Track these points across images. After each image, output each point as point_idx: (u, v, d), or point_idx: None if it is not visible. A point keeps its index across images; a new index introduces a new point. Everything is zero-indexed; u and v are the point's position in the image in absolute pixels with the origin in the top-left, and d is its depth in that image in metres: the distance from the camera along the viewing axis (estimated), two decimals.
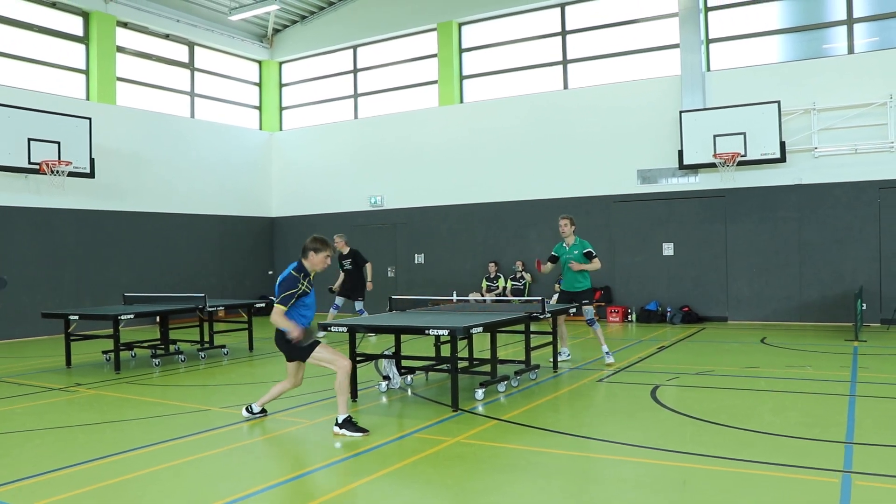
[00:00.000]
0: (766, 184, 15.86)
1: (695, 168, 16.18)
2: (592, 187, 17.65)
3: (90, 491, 5.37)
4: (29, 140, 15.44)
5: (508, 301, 12.80)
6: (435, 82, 20.18)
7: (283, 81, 23.12)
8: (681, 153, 16.06)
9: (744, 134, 15.34)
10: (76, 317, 11.31)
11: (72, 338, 11.79)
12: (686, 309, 16.41)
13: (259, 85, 22.97)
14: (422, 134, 20.05)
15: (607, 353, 10.85)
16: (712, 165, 15.75)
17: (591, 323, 10.92)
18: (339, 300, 14.56)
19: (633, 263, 17.23)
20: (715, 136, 15.59)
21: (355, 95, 21.75)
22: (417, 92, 20.66)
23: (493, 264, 18.38)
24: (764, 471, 5.42)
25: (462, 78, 19.90)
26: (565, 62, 18.46)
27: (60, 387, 9.83)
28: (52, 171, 15.71)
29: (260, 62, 22.89)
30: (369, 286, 14.73)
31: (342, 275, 14.72)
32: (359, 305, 14.51)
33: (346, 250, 14.67)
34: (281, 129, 22.96)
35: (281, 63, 23.06)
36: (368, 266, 14.74)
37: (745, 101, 15.62)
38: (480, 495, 5.12)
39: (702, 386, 8.91)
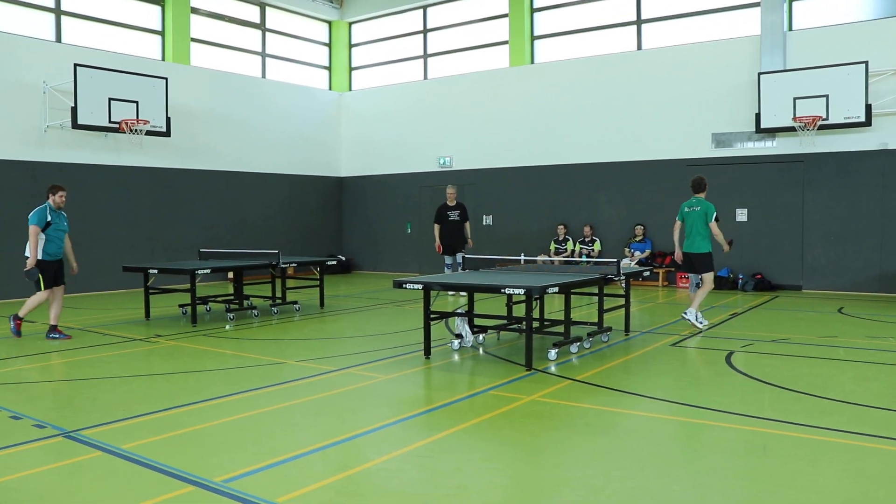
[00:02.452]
0: (848, 149, 15.32)
1: (772, 132, 15.71)
2: (665, 150, 17.32)
3: (176, 435, 5.57)
4: (109, 100, 15.80)
5: (577, 263, 12.73)
6: (505, 42, 19.97)
7: (353, 42, 23.15)
8: (758, 116, 15.61)
9: (826, 96, 14.81)
10: (155, 270, 11.64)
11: (150, 291, 12.16)
12: (759, 276, 16.07)
13: (329, 45, 23.04)
14: (491, 95, 19.90)
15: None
16: (791, 129, 15.27)
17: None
18: (448, 259, 14.82)
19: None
20: (795, 99, 15.08)
21: (425, 56, 21.67)
22: (488, 52, 20.47)
23: (561, 227, 18.26)
24: (845, 439, 5.33)
25: (533, 38, 19.64)
26: (639, 22, 18.05)
27: (142, 337, 10.18)
28: (131, 130, 16.08)
29: (330, 22, 22.94)
30: (470, 243, 15.04)
31: (438, 227, 14.91)
32: (458, 258, 14.70)
33: (453, 202, 14.95)
34: (350, 90, 23.05)
35: (351, 23, 23.07)
36: (468, 225, 15.04)
37: (829, 62, 15.03)
38: (558, 451, 5.16)
39: (778, 353, 8.73)
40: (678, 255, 11.23)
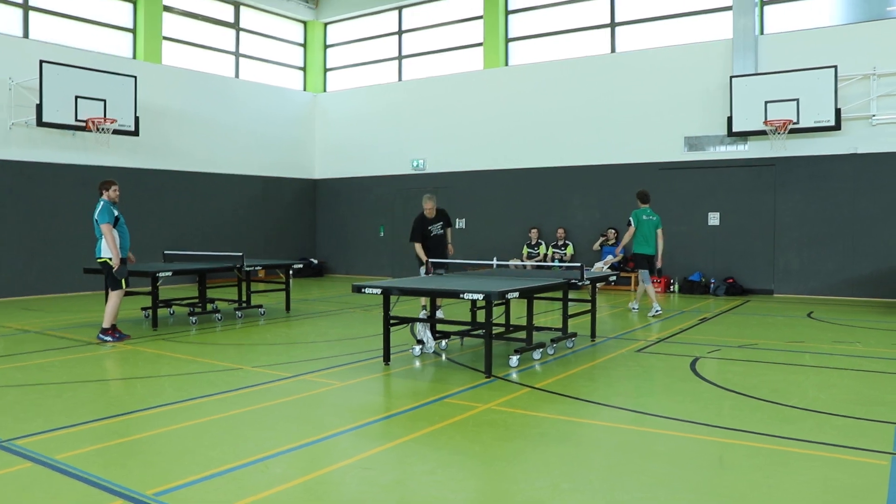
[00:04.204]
0: (818, 153, 15.30)
1: (744, 135, 15.68)
2: (638, 154, 17.25)
3: (118, 444, 5.36)
4: (76, 97, 15.51)
5: (549, 267, 12.57)
6: (480, 45, 19.83)
7: (328, 42, 22.93)
8: (730, 120, 15.56)
9: (797, 100, 14.79)
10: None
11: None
12: (730, 280, 16.02)
13: (304, 45, 22.81)
14: (466, 97, 19.76)
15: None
16: (762, 133, 15.24)
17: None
18: (423, 271, 11.80)
19: (678, 233, 16.81)
20: (766, 103, 15.05)
21: (400, 57, 21.49)
22: (462, 54, 20.34)
23: (534, 230, 18.13)
24: (807, 449, 5.18)
25: (507, 40, 19.52)
26: (613, 25, 17.96)
27: (98, 341, 9.90)
28: (98, 129, 15.79)
29: (305, 22, 22.71)
30: (450, 249, 12.06)
31: (419, 248, 11.63)
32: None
33: (433, 213, 11.95)
34: (325, 91, 22.83)
35: (326, 24, 22.86)
36: (450, 231, 12.16)
37: (799, 66, 15.03)
38: (508, 462, 4.97)
39: (744, 359, 8.64)
40: (618, 252, 13.90)
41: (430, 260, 11.24)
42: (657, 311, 12.42)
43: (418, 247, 11.68)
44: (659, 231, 12.73)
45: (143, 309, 12.21)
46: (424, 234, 11.83)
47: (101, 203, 9.80)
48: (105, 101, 15.99)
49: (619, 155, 17.46)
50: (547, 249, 17.91)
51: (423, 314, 10.61)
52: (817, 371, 7.94)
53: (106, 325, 9.94)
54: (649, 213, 12.78)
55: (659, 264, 12.97)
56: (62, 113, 15.38)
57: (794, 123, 14.83)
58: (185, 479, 4.59)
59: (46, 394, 6.97)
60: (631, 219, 12.81)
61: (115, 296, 9.94)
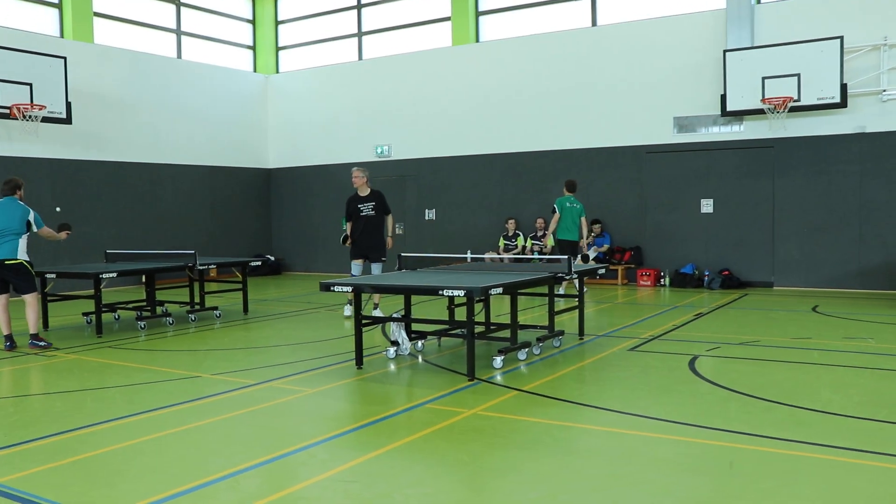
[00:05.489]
0: (822, 132, 15.49)
1: (739, 115, 15.88)
2: (623, 136, 17.39)
3: (67, 464, 5.30)
4: None
5: (529, 260, 12.66)
6: (448, 19, 19.85)
7: (280, 18, 22.81)
8: (724, 98, 15.75)
9: (798, 75, 14.98)
10: (53, 275, 11.24)
11: (48, 298, 11.79)
12: (726, 273, 16.22)
13: (253, 22, 22.67)
14: (433, 77, 19.77)
15: None
16: (760, 112, 15.43)
17: None
18: (356, 268, 12.29)
19: (667, 222, 17.02)
20: (764, 79, 15.24)
21: (359, 34, 21.44)
22: (428, 30, 20.34)
23: (511, 221, 18.21)
24: (822, 454, 5.25)
25: (478, 14, 19.55)
26: None
27: (36, 351, 9.79)
28: (24, 116, 15.57)
29: None
30: (389, 243, 12.64)
31: (349, 225, 12.35)
32: (377, 269, 12.17)
33: (366, 190, 12.27)
34: (278, 72, 22.71)
35: None
36: (390, 218, 12.53)
37: (801, 38, 15.18)
38: (499, 473, 5.02)
39: (746, 357, 8.76)
40: (548, 242, 15.51)
41: (360, 244, 12.17)
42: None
43: (349, 227, 12.32)
44: (582, 219, 15.15)
45: (85, 314, 12.10)
46: (351, 212, 12.22)
47: (23, 206, 10.02)
48: (31, 84, 15.77)
49: (602, 138, 17.58)
50: (526, 241, 18.01)
51: (396, 314, 10.63)
52: (829, 370, 8.07)
53: (35, 330, 10.02)
54: (573, 201, 15.14)
55: (584, 250, 15.48)
56: None
57: (795, 101, 15.02)
58: (148, 498, 4.57)
59: None
60: (555, 205, 15.15)
61: (35, 299, 10.09)
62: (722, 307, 13.25)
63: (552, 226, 15.16)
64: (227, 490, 4.72)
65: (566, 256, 9.50)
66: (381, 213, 12.29)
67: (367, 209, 12.15)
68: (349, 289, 8.11)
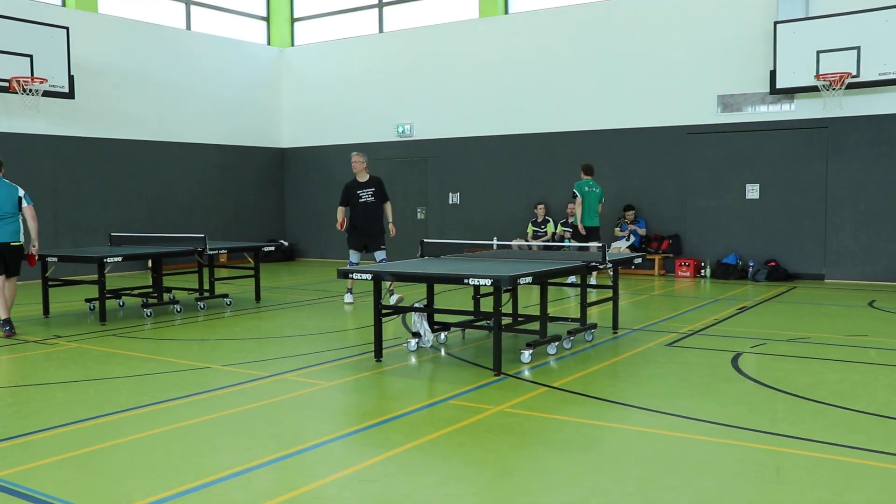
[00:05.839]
0: (883, 111, 15.27)
1: (790, 92, 15.69)
2: (662, 116, 17.29)
3: (69, 458, 5.36)
4: None
5: (560, 248, 12.63)
6: None
7: None
8: (773, 74, 15.60)
9: (857, 48, 14.74)
10: (54, 259, 11.37)
11: (50, 283, 11.88)
12: (772, 264, 16.11)
13: None
14: (459, 51, 19.73)
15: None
16: (813, 89, 15.24)
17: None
18: (354, 256, 12.86)
19: (709, 208, 16.92)
20: (819, 53, 15.03)
21: (380, 4, 21.42)
22: (454, 1, 20.27)
23: (540, 206, 18.18)
24: (878, 461, 5.22)
25: None
26: None
27: (37, 339, 9.92)
28: (24, 90, 15.68)
29: None
30: (392, 230, 13.17)
31: (341, 213, 13.01)
32: (381, 256, 12.63)
33: (365, 176, 12.80)
34: (293, 45, 22.75)
35: None
36: (388, 206, 13.02)
37: (861, 7, 14.90)
38: (527, 474, 5.02)
39: (795, 355, 8.70)
40: (582, 229, 15.30)
41: (359, 232, 12.73)
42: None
43: (339, 212, 12.99)
44: (600, 205, 15.58)
45: (88, 301, 12.22)
46: (349, 198, 12.76)
47: (9, 184, 10.19)
48: (31, 56, 15.85)
49: (639, 118, 17.50)
50: (556, 228, 17.98)
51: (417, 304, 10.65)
52: (888, 371, 7.99)
53: (6, 315, 10.13)
54: (592, 185, 15.45)
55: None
56: None
57: (854, 77, 14.81)
58: (155, 496, 4.61)
59: None
60: (576, 190, 15.35)
61: (14, 284, 10.30)
62: (768, 301, 13.17)
63: (578, 210, 15.35)
64: (238, 488, 4.76)
65: (600, 244, 9.49)
66: (381, 199, 12.78)
67: (366, 195, 12.67)
68: (368, 276, 8.15)
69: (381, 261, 12.48)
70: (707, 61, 16.79)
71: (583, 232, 15.39)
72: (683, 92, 17.03)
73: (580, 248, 12.10)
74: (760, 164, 16.43)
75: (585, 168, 15.69)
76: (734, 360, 8.30)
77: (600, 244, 10.41)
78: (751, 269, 16.19)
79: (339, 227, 13.15)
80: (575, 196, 15.37)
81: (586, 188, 15.35)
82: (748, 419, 6.15)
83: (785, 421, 6.18)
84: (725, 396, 6.91)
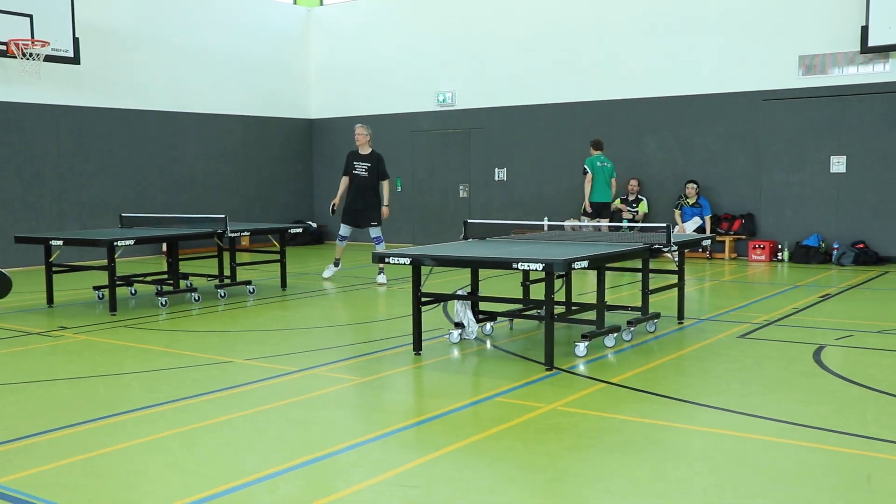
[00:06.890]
0: None
1: (885, 51, 15.46)
2: (734, 80, 17.13)
3: (76, 462, 5.42)
4: None
5: (618, 229, 12.59)
6: None
7: None
8: (864, 30, 15.38)
9: None
10: (59, 242, 11.46)
11: (54, 269, 11.99)
12: (860, 246, 15.95)
13: None
14: (506, 10, 19.67)
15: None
16: None
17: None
18: (345, 229, 13.99)
19: (788, 184, 16.75)
20: None
21: None
22: None
23: (633, 181, 17.90)
24: None
25: None
26: None
27: (40, 330, 10.04)
28: (24, 54, 15.81)
29: None
30: (385, 211, 14.05)
31: (344, 183, 14.12)
32: (375, 232, 13.87)
33: (366, 150, 13.97)
34: (322, 4, 22.80)
35: None
36: (386, 185, 14.05)
37: None
38: (584, 480, 5.02)
39: (886, 349, 8.63)
40: (589, 207, 16.44)
41: (350, 206, 13.84)
42: None
43: (342, 183, 14.09)
44: (612, 180, 16.73)
45: (97, 288, 12.29)
46: (348, 169, 13.89)
47: None
48: (31, 17, 15.99)
49: (709, 83, 17.36)
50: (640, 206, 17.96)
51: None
52: None
53: None
54: (603, 160, 16.61)
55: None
56: None
57: None
58: (170, 503, 4.66)
59: None
60: (586, 166, 16.47)
61: None
62: (855, 287, 13.05)
63: (587, 187, 16.47)
64: (264, 494, 4.80)
65: (665, 224, 9.44)
66: (375, 176, 13.89)
67: (360, 168, 13.83)
68: (406, 261, 8.16)
69: (374, 238, 13.88)
70: (786, 17, 16.59)
71: (589, 210, 16.44)
72: (759, 53, 16.86)
73: (642, 230, 12.06)
74: (848, 134, 16.22)
75: (595, 143, 16.84)
76: (816, 354, 8.23)
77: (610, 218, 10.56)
78: (835, 252, 16.03)
79: (335, 200, 14.28)
80: (585, 172, 16.48)
81: (598, 163, 16.51)
82: (833, 420, 6.10)
83: (875, 422, 6.12)
84: (807, 394, 6.87)
